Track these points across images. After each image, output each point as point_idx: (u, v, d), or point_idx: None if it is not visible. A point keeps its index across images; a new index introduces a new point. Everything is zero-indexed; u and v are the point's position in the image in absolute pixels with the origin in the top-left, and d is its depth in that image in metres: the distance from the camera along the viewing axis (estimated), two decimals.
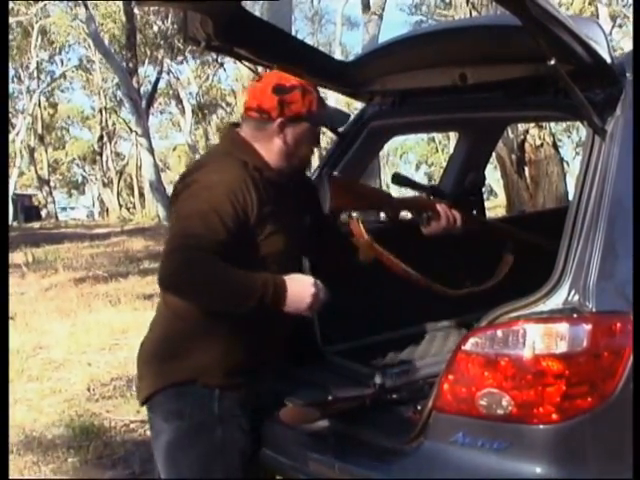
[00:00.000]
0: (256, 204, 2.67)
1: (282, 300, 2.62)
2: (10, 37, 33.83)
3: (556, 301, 2.45)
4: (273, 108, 2.75)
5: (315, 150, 2.93)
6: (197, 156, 45.71)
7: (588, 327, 2.40)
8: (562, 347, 2.39)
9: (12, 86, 38.32)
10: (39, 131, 39.97)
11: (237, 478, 2.81)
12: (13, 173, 39.00)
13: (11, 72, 36.89)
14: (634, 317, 2.39)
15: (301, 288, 2.66)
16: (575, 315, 2.42)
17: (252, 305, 2.58)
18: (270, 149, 2.79)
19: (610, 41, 2.85)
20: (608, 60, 2.75)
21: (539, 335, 2.41)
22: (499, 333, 2.46)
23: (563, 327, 2.40)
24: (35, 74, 36.56)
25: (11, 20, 31.79)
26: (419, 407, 2.75)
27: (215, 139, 44.12)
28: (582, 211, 2.56)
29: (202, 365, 2.74)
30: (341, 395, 3.10)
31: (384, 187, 28.67)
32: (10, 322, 9.20)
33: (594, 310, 2.42)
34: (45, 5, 30.83)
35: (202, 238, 2.56)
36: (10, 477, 4.45)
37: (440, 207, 3.15)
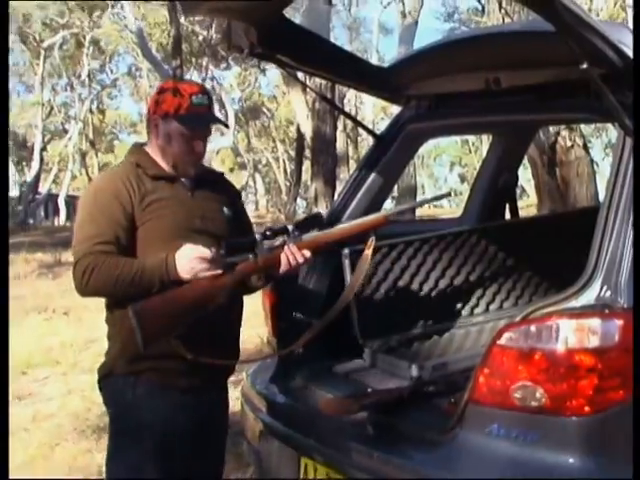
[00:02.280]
0: (138, 196, 2.85)
1: (175, 270, 2.72)
2: (64, 48, 34.26)
3: (588, 297, 2.43)
4: (152, 106, 2.96)
5: (197, 155, 2.97)
6: (239, 159, 46.00)
7: (620, 322, 2.37)
8: (594, 342, 2.36)
9: (65, 94, 38.87)
10: (90, 136, 40.24)
11: (152, 461, 2.84)
12: (66, 176, 39.38)
13: (64, 81, 37.40)
14: (634, 317, 2.36)
15: (183, 253, 2.73)
16: (607, 311, 2.40)
17: (158, 283, 2.72)
18: (153, 146, 2.98)
19: None
20: None
21: (572, 330, 2.38)
22: (533, 328, 2.43)
23: (595, 322, 2.38)
24: (87, 82, 36.85)
25: (65, 32, 32.20)
26: (453, 400, 2.74)
27: (256, 142, 44.29)
28: (614, 210, 2.54)
29: (112, 357, 2.91)
30: (380, 388, 3.10)
31: (419, 188, 28.53)
32: (64, 317, 9.35)
33: (625, 306, 2.40)
34: (97, 17, 31.06)
35: (97, 239, 2.77)
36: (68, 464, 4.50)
37: (282, 256, 2.87)
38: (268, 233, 2.84)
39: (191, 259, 2.71)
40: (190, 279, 2.71)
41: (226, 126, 3.18)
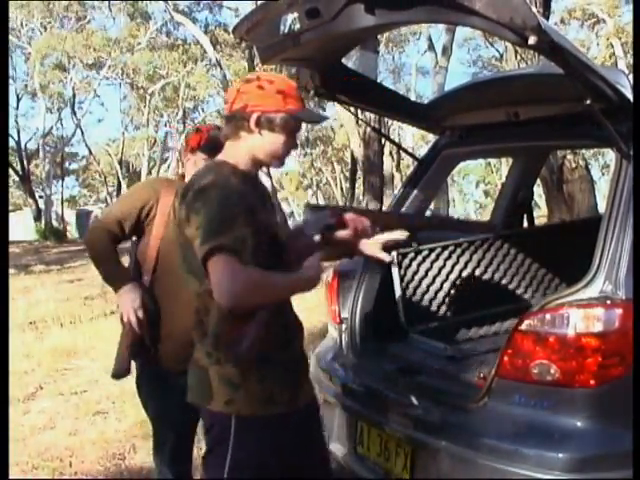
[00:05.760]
0: None
1: None
2: (164, 92, 34.72)
3: (593, 291, 2.42)
4: (184, 150, 2.96)
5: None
6: (303, 179, 46.09)
7: (619, 311, 2.37)
8: (598, 327, 2.36)
9: (165, 129, 39.33)
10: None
11: None
12: None
13: (164, 118, 37.85)
14: (634, 316, 2.34)
15: None
16: (608, 302, 2.39)
17: None
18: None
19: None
20: (631, 99, 2.70)
21: (580, 318, 2.38)
22: (548, 316, 2.44)
23: (599, 311, 2.38)
24: (182, 120, 37.26)
25: (164, 81, 32.63)
26: (483, 375, 2.74)
27: (318, 165, 44.36)
28: (613, 219, 2.53)
29: None
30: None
31: (450, 202, 28.33)
32: None
33: (624, 298, 2.39)
34: (191, 67, 31.47)
35: None
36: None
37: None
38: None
39: None
40: None
41: None
